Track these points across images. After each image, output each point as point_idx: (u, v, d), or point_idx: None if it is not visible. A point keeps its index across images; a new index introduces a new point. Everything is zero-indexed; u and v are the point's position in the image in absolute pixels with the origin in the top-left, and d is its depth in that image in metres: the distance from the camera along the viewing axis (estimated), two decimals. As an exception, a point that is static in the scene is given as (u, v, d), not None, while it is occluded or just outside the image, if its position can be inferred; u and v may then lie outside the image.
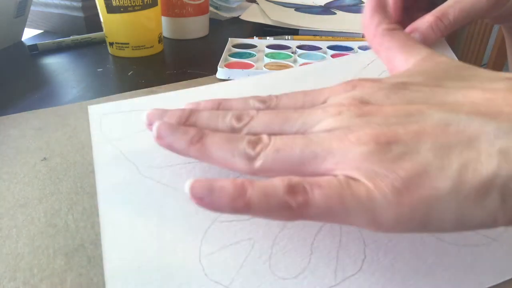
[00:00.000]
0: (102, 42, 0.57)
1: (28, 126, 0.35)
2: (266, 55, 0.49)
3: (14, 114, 0.37)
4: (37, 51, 0.53)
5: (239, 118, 0.20)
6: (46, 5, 0.61)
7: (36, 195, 0.27)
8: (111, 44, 0.52)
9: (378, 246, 0.21)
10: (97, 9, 0.51)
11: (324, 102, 0.20)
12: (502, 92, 0.17)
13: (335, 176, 0.17)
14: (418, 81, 0.19)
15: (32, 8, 0.60)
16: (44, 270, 0.22)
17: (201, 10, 0.60)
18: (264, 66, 0.46)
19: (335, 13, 0.69)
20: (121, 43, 0.52)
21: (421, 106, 0.17)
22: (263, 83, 0.29)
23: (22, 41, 0.60)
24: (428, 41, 0.29)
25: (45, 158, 0.31)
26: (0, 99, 0.41)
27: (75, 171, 0.29)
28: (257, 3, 0.73)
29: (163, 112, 0.22)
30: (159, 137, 0.20)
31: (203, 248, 0.21)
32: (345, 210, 0.16)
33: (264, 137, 0.18)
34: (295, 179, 0.16)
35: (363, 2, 0.75)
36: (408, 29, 0.29)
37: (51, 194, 0.27)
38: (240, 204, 0.16)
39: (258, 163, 0.18)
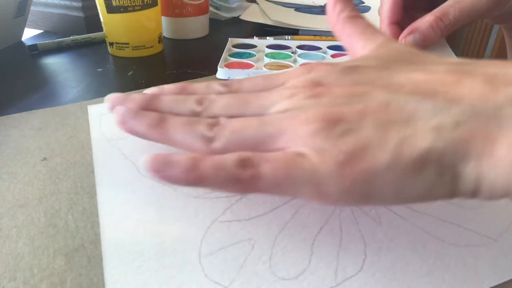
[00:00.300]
0: (102, 42, 0.57)
1: (28, 126, 0.35)
2: (266, 55, 0.49)
3: (14, 114, 0.37)
4: (37, 51, 0.53)
5: (199, 102, 0.21)
6: (46, 5, 0.61)
7: (36, 195, 0.27)
8: (111, 44, 0.52)
9: (379, 246, 0.21)
10: (97, 9, 0.51)
11: (282, 85, 0.21)
12: (441, 74, 0.18)
13: (285, 152, 0.18)
14: (369, 64, 0.21)
15: (32, 8, 0.60)
16: (44, 270, 0.22)
17: (201, 10, 0.60)
18: (264, 66, 0.46)
19: (335, 13, 0.69)
20: (121, 43, 0.52)
21: (367, 87, 0.19)
22: None
23: (22, 41, 0.60)
24: (429, 41, 0.29)
25: (45, 158, 0.31)
26: (0, 99, 0.41)
27: (75, 171, 0.29)
28: (257, 3, 0.73)
29: (125, 97, 0.23)
30: (121, 122, 0.22)
31: (203, 248, 0.21)
32: (292, 182, 0.17)
33: (222, 119, 0.20)
34: (245, 154, 0.18)
35: (363, 2, 0.74)
36: (408, 29, 0.29)
37: (51, 194, 0.27)
38: (193, 176, 0.17)
39: (215, 144, 0.19)
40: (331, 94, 0.19)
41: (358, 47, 0.25)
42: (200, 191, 0.23)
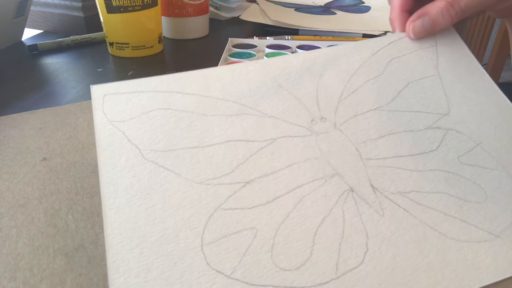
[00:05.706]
0: (102, 42, 0.57)
1: (28, 126, 0.35)
2: (266, 55, 0.49)
3: (14, 114, 0.37)
4: (37, 51, 0.53)
5: None
6: (46, 5, 0.61)
7: (36, 195, 0.27)
8: (111, 44, 0.52)
9: (380, 239, 0.21)
10: (97, 9, 0.51)
11: None
12: None
13: None
14: None
15: (32, 8, 0.60)
16: (44, 270, 0.22)
17: (201, 10, 0.60)
18: (264, 66, 0.46)
19: (335, 13, 0.69)
20: (121, 43, 0.52)
21: None
22: (271, 67, 0.28)
23: (22, 41, 0.60)
24: (437, 27, 0.28)
25: (45, 158, 0.31)
26: (0, 99, 0.41)
27: (75, 171, 0.29)
28: (257, 3, 0.73)
29: None
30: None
31: (205, 236, 0.21)
32: None
33: None
34: None
35: (363, 2, 0.74)
36: (417, 12, 0.29)
37: (51, 194, 0.27)
38: None
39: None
40: None
41: None
42: (203, 176, 0.23)
